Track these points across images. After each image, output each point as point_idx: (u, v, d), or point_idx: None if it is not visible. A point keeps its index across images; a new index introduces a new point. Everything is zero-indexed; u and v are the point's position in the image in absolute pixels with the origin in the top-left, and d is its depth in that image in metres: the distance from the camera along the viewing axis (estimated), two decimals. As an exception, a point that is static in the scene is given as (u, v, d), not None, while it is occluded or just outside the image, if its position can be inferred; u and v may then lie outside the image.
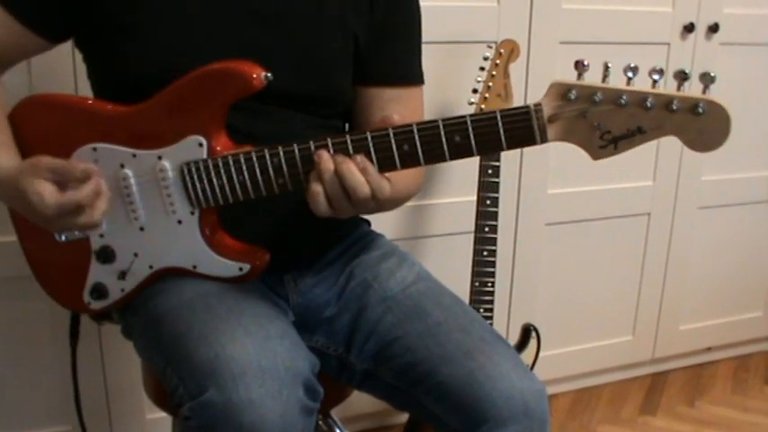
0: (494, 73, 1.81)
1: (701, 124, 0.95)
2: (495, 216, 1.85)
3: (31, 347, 1.84)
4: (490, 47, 1.83)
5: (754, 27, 2.42)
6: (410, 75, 1.34)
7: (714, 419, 2.47)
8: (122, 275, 1.21)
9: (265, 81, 1.09)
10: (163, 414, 1.42)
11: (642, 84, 0.97)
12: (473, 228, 1.86)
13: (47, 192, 1.05)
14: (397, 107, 1.29)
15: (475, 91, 1.82)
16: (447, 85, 2.00)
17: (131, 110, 1.15)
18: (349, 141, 1.06)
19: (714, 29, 2.32)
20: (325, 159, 1.05)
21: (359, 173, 1.04)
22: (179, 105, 1.13)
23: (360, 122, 1.33)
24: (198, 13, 1.17)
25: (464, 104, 1.83)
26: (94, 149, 1.16)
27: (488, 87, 1.81)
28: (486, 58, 1.82)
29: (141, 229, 1.18)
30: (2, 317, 1.82)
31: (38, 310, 1.73)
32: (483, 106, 1.80)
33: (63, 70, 1.33)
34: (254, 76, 1.09)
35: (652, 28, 2.27)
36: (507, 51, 1.81)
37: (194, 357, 1.04)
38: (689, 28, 2.29)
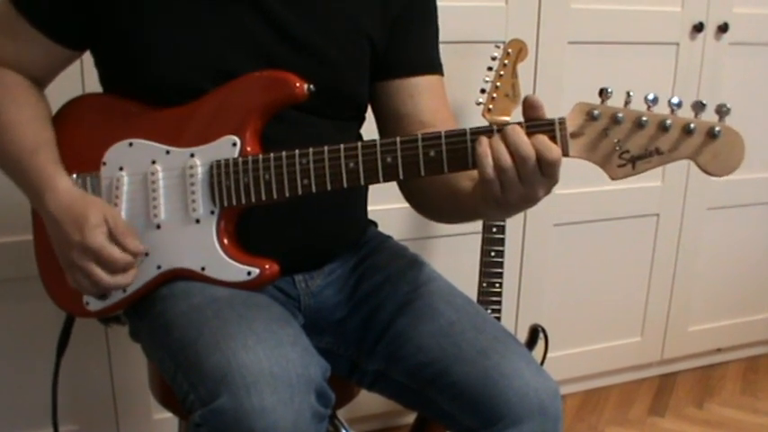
0: (502, 73, 1.80)
1: (717, 148, 0.99)
2: (503, 217, 1.85)
3: (34, 348, 1.83)
4: (498, 47, 1.82)
5: (764, 27, 2.40)
6: (434, 64, 1.34)
7: (723, 421, 2.46)
8: None
9: (308, 92, 1.13)
10: (169, 414, 1.42)
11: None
12: (481, 228, 1.85)
13: (100, 230, 1.13)
14: (427, 96, 1.30)
15: (483, 91, 1.81)
16: (455, 85, 1.98)
17: (175, 110, 1.19)
18: (378, 145, 1.07)
19: (724, 29, 2.32)
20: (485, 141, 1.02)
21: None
22: (221, 107, 1.17)
23: (388, 115, 1.32)
24: (211, 22, 1.18)
25: (472, 104, 1.83)
26: (130, 144, 1.21)
27: (496, 87, 1.80)
28: (494, 58, 1.81)
29: (158, 226, 1.19)
30: (5, 317, 1.83)
31: (41, 311, 1.72)
32: (491, 106, 1.80)
33: (70, 72, 1.34)
34: (298, 85, 1.12)
35: (661, 28, 2.27)
36: (515, 51, 1.81)
37: (206, 364, 1.04)
38: (698, 28, 2.28)
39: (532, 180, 1.02)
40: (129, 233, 1.16)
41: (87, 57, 1.29)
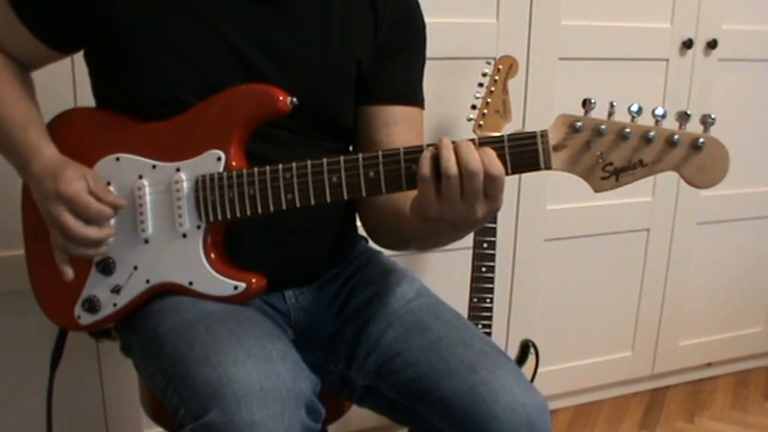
0: (492, 89, 1.81)
1: (701, 160, 0.98)
2: (493, 232, 1.85)
3: (26, 363, 1.83)
4: (489, 63, 1.83)
5: (753, 43, 2.43)
6: (414, 95, 1.34)
7: (714, 436, 2.47)
8: (117, 290, 1.22)
9: (291, 106, 1.13)
10: (160, 429, 1.42)
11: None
12: (472, 243, 1.86)
13: (76, 182, 1.15)
14: (402, 127, 1.30)
15: (474, 107, 1.82)
16: (446, 102, 2.00)
17: (162, 124, 1.19)
18: (360, 159, 1.08)
19: (713, 45, 2.33)
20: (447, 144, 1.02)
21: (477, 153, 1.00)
22: (205, 121, 1.17)
23: (362, 141, 1.32)
24: (199, 39, 1.19)
25: (463, 121, 1.84)
26: (117, 159, 1.21)
27: (487, 104, 1.81)
28: (484, 75, 1.82)
29: (146, 241, 1.20)
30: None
31: (33, 325, 1.73)
32: (481, 122, 1.81)
33: (62, 75, 1.34)
34: (281, 99, 1.13)
35: (651, 44, 2.28)
36: (506, 67, 1.82)
37: (196, 379, 1.04)
38: (687, 44, 2.30)
39: (473, 198, 1.00)
40: (108, 191, 1.18)
41: (79, 68, 1.30)
